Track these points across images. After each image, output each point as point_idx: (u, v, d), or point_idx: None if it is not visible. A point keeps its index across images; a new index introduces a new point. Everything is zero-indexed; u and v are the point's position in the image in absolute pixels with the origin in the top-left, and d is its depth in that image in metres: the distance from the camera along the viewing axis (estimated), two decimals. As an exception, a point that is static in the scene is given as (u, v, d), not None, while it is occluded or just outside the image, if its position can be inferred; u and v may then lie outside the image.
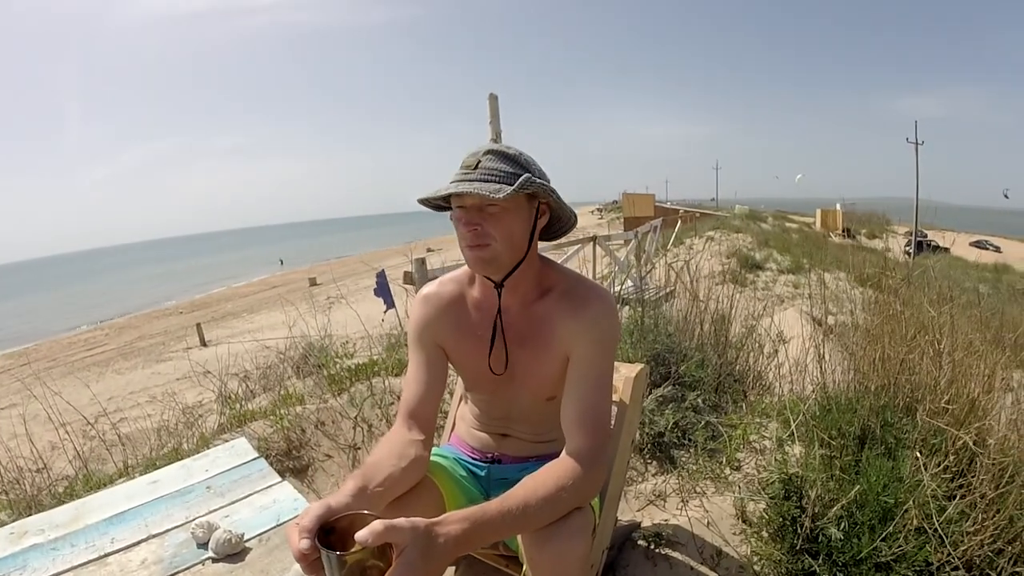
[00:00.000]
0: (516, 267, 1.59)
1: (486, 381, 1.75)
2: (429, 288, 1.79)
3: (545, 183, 1.53)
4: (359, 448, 3.41)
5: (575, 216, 1.70)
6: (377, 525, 1.05)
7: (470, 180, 1.48)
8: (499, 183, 1.47)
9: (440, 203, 1.62)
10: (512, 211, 1.52)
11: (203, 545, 1.83)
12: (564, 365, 1.61)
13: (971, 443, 2.06)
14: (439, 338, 1.73)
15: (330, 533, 1.11)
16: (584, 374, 1.55)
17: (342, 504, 1.22)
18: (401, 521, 1.09)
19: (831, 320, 4.39)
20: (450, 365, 1.79)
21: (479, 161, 1.51)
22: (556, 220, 1.67)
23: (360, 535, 1.05)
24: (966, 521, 1.94)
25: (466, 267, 1.75)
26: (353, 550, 1.05)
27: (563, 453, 1.47)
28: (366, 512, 1.14)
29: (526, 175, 1.48)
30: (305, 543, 1.08)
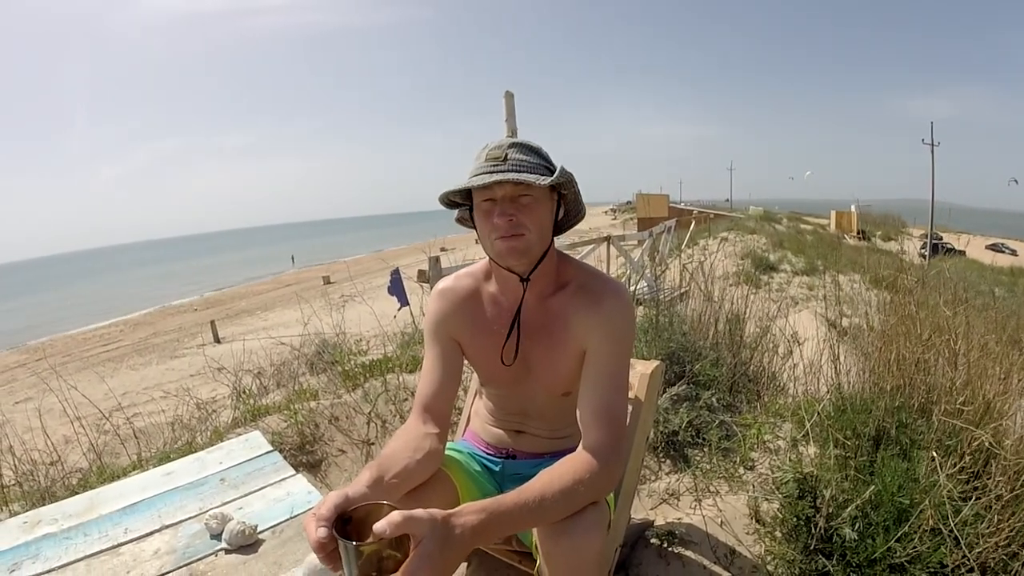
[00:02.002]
0: (541, 260, 1.59)
1: (502, 376, 1.74)
2: (445, 283, 1.79)
3: (572, 175, 1.54)
4: (373, 444, 3.41)
5: (584, 210, 1.71)
6: (395, 516, 1.05)
7: (503, 171, 1.47)
8: (531, 174, 1.47)
9: (457, 200, 1.63)
10: (542, 202, 1.53)
11: (216, 536, 1.84)
12: (580, 360, 1.60)
13: (988, 442, 2.05)
14: (455, 332, 1.73)
15: (347, 523, 1.11)
16: (600, 369, 1.54)
17: (359, 494, 1.22)
18: (419, 512, 1.09)
19: (845, 322, 4.36)
20: (465, 360, 1.79)
21: (506, 154, 1.50)
22: (567, 213, 1.68)
23: (378, 527, 1.04)
24: (981, 523, 1.93)
25: (482, 262, 1.76)
26: (370, 540, 1.05)
27: (579, 447, 1.47)
28: (384, 502, 1.13)
29: (561, 166, 1.51)
30: (323, 532, 1.08)
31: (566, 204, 1.64)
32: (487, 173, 1.48)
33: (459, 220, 1.70)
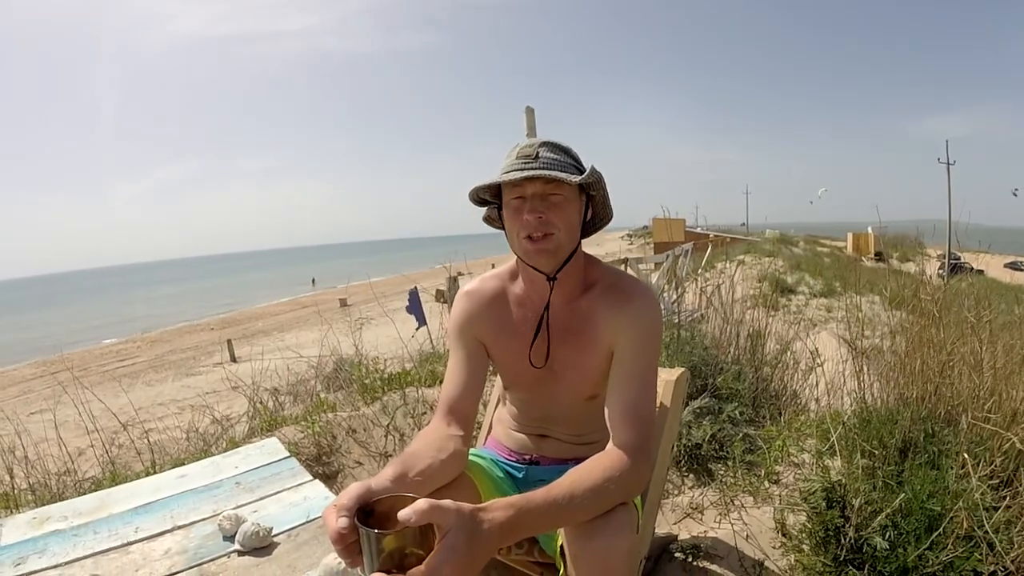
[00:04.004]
0: (568, 259, 1.58)
1: (526, 379, 1.72)
2: (471, 284, 1.78)
3: (601, 175, 1.54)
4: (391, 456, 3.37)
5: (612, 213, 1.70)
6: (422, 504, 0.99)
7: (534, 168, 1.47)
8: (562, 172, 1.47)
9: (486, 198, 1.62)
10: (572, 201, 1.53)
11: (230, 538, 1.80)
12: (607, 361, 1.58)
13: (1019, 444, 2.04)
14: (480, 334, 1.71)
15: (369, 516, 1.05)
16: (629, 368, 1.52)
17: (382, 487, 1.17)
18: (447, 502, 1.04)
19: (865, 343, 4.32)
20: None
21: (538, 152, 1.51)
22: (594, 215, 1.67)
23: (403, 513, 0.98)
24: (1015, 528, 1.89)
25: (508, 264, 1.75)
26: (394, 529, 1.00)
27: (609, 445, 1.44)
28: (408, 494, 1.07)
29: (592, 165, 1.51)
30: (344, 521, 1.03)
31: (594, 206, 1.64)
32: (518, 170, 1.48)
33: (487, 219, 1.71)
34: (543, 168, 1.47)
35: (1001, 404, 2.33)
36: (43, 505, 2.68)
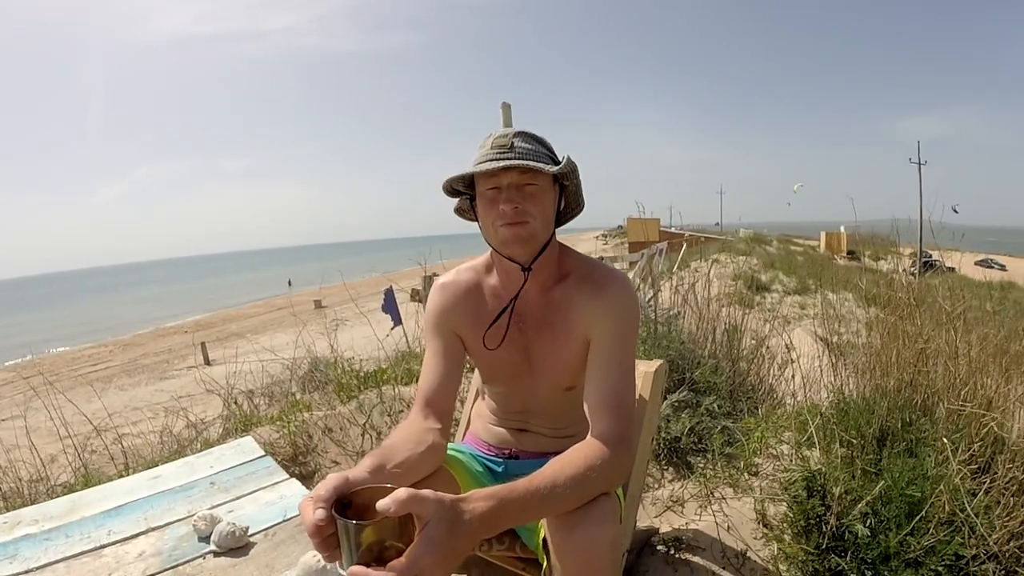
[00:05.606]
0: (543, 249, 1.57)
1: (503, 371, 1.71)
2: (446, 277, 1.77)
3: (576, 166, 1.54)
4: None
5: (584, 204, 1.70)
6: (401, 493, 0.97)
7: (510, 158, 1.46)
8: (537, 162, 1.46)
9: (459, 189, 1.61)
10: (547, 191, 1.52)
11: (205, 538, 1.77)
12: (584, 351, 1.57)
13: (996, 427, 2.07)
14: (456, 326, 1.70)
15: (347, 508, 1.03)
16: (606, 356, 1.51)
17: (360, 478, 1.15)
18: (426, 492, 1.01)
19: (840, 339, 4.36)
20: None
21: (512, 142, 1.50)
22: (567, 205, 1.67)
23: (382, 503, 0.96)
24: (995, 511, 1.91)
25: (483, 256, 1.74)
26: (373, 521, 0.97)
27: (589, 436, 1.42)
28: (387, 485, 1.04)
29: (567, 155, 1.51)
30: (321, 513, 1.00)
31: (567, 196, 1.63)
32: (494, 160, 1.46)
33: (458, 211, 1.70)
34: (519, 158, 1.46)
35: (976, 392, 2.35)
36: (13, 508, 2.63)
